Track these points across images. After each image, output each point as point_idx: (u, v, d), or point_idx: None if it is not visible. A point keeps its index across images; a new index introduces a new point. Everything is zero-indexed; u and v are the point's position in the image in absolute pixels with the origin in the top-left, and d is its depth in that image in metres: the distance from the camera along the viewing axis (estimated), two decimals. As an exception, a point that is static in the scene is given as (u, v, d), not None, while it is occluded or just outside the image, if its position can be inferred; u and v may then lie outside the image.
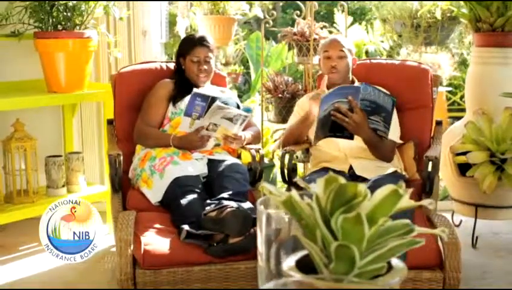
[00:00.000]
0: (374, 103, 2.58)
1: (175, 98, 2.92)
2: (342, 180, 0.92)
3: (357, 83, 2.87)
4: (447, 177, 3.37)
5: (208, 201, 2.47)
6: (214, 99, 2.75)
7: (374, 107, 2.59)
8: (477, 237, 3.26)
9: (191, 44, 2.97)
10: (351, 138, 2.65)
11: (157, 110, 2.92)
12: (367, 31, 6.20)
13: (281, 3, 7.80)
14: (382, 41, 5.86)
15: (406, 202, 0.97)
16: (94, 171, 3.73)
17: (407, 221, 0.94)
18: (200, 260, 2.28)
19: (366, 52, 5.99)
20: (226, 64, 7.20)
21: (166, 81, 3.00)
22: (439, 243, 2.29)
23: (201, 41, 2.97)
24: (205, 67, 2.94)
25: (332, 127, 2.61)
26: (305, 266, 0.94)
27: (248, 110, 2.80)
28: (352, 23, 6.23)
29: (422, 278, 2.23)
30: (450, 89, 6.24)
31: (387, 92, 2.64)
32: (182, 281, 2.25)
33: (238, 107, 2.74)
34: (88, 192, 3.42)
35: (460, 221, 3.52)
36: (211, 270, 2.27)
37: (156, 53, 3.99)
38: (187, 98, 2.86)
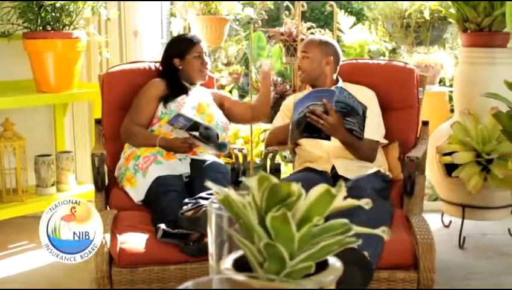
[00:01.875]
0: (349, 106, 2.59)
1: (166, 99, 2.93)
2: (274, 179, 0.93)
3: (333, 87, 2.86)
4: (434, 178, 3.37)
5: (186, 200, 2.48)
6: (196, 124, 2.77)
7: (349, 109, 2.59)
8: (464, 238, 3.25)
9: (189, 43, 2.99)
10: (327, 138, 2.65)
11: (146, 110, 2.92)
12: (370, 31, 6.18)
13: (284, 4, 7.79)
14: (385, 41, 5.83)
15: (340, 201, 0.98)
16: (86, 171, 3.74)
17: (345, 220, 0.94)
18: (176, 259, 2.29)
19: (369, 52, 5.97)
20: (228, 64, 7.19)
21: (157, 80, 2.99)
22: (417, 243, 2.28)
23: (197, 38, 3.02)
24: (207, 61, 2.98)
25: (307, 128, 2.62)
26: (243, 265, 0.95)
27: (223, 146, 2.83)
28: (355, 23, 6.22)
29: (396, 278, 2.22)
30: (452, 89, 6.16)
31: (361, 101, 2.64)
32: (157, 279, 2.26)
33: (218, 136, 2.79)
34: (78, 191, 3.45)
35: (450, 221, 3.51)
36: (186, 269, 2.28)
37: (155, 53, 4.00)
38: (178, 99, 2.89)
